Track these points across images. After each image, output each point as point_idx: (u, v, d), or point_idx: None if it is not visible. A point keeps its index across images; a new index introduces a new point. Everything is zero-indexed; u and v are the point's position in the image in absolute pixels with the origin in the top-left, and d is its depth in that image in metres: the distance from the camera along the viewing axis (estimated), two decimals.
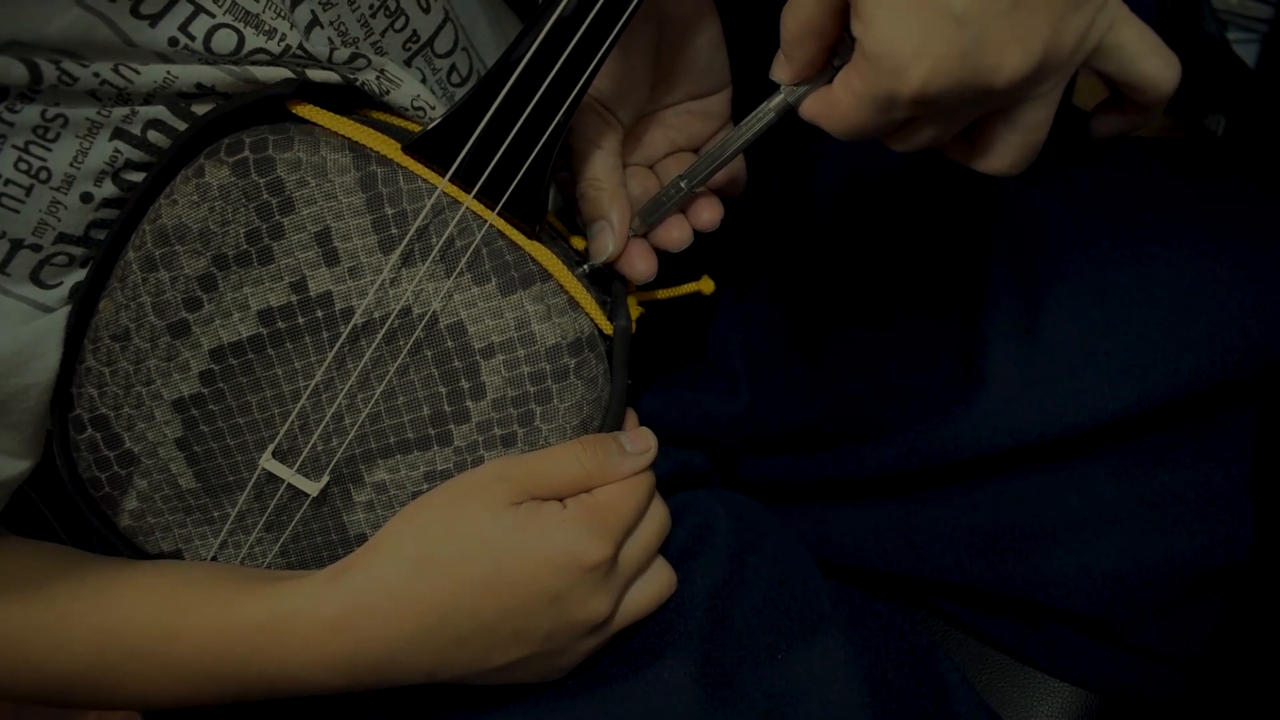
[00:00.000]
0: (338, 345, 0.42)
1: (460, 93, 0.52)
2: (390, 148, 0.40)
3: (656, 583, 0.45)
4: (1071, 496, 0.50)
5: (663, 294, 0.48)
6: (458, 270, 0.41)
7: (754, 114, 0.41)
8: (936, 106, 0.35)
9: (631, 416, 0.47)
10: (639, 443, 0.44)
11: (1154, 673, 0.51)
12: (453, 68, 0.51)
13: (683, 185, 0.43)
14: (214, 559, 0.46)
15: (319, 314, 0.41)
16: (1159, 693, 0.52)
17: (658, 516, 0.44)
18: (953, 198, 0.54)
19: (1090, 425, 0.48)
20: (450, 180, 0.40)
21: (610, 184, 0.43)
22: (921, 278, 0.54)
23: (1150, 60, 0.37)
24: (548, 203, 0.42)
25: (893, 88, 0.34)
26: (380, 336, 0.41)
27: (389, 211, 0.40)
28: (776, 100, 0.40)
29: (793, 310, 0.58)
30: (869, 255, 0.56)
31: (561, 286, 0.42)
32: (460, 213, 0.41)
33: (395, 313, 0.41)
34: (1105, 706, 0.52)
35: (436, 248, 0.41)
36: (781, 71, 0.39)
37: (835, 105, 0.36)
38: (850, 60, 0.36)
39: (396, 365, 0.42)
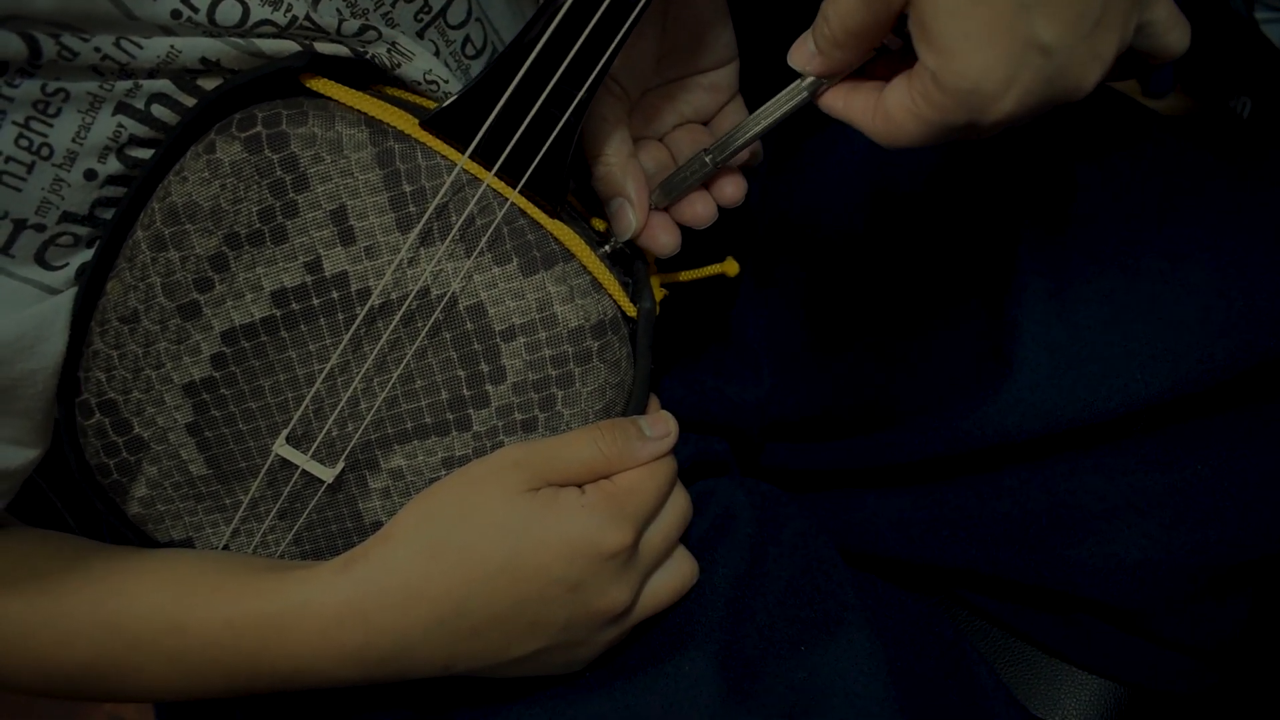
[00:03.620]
0: (354, 327, 0.40)
1: (474, 66, 0.51)
2: (407, 123, 0.39)
3: (678, 573, 0.43)
4: (1101, 484, 0.49)
5: (685, 276, 0.47)
6: (478, 250, 0.40)
7: (786, 91, 0.39)
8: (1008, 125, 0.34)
9: (653, 401, 0.45)
10: (659, 427, 0.43)
11: (1185, 665, 0.50)
12: (466, 39, 0.49)
13: (708, 160, 0.42)
14: (225, 547, 0.45)
15: (334, 295, 0.40)
16: (1189, 685, 0.51)
17: (679, 504, 0.43)
18: (980, 179, 0.53)
19: (1121, 412, 0.47)
20: (470, 157, 0.39)
21: (621, 158, 0.42)
22: (947, 261, 0.53)
23: (1174, 33, 0.37)
24: (569, 181, 0.41)
25: (973, 119, 0.33)
26: (398, 318, 0.40)
27: (407, 189, 0.39)
28: (809, 79, 0.39)
29: (816, 295, 0.56)
30: (894, 238, 0.54)
31: (584, 267, 0.41)
32: (481, 190, 0.39)
33: (413, 294, 0.40)
34: (1134, 699, 0.52)
35: (456, 226, 0.39)
36: (809, 63, 0.37)
37: (891, 122, 0.35)
38: (909, 77, 0.34)
39: (414, 348, 0.41)
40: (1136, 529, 0.48)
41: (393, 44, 0.42)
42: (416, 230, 0.39)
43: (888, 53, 0.38)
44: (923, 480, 0.53)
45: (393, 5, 0.44)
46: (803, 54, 0.37)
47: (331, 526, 0.44)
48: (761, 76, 0.46)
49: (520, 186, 0.39)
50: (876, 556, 0.55)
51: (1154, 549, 0.48)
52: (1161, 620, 0.49)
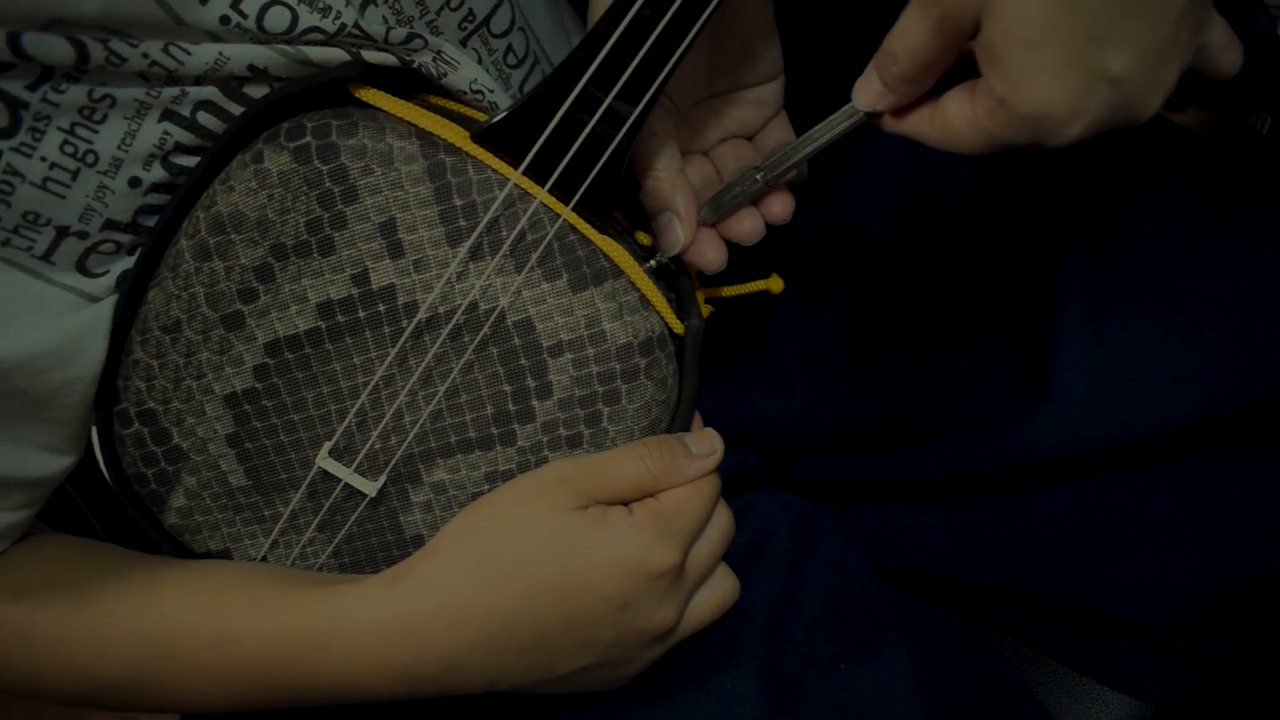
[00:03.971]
0: (400, 341, 0.40)
1: (515, 75, 0.50)
2: (459, 135, 0.39)
3: (720, 591, 0.43)
4: (1135, 504, 0.49)
5: (728, 291, 0.46)
6: (529, 265, 0.39)
7: (840, 112, 0.39)
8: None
9: (697, 417, 0.45)
10: (705, 444, 0.42)
11: (1216, 686, 0.50)
12: (509, 48, 0.49)
13: (758, 178, 0.42)
14: (264, 559, 0.45)
15: (381, 308, 0.40)
16: (1221, 706, 0.51)
17: (723, 521, 0.43)
18: (1019, 197, 0.53)
19: (1158, 434, 0.47)
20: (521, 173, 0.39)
21: (671, 173, 0.42)
22: (985, 278, 0.53)
23: (1229, 54, 0.37)
24: (619, 197, 0.40)
25: (1036, 141, 0.33)
26: (445, 333, 0.40)
27: (458, 202, 0.39)
28: None
29: (851, 308, 0.56)
30: (931, 253, 0.54)
31: (633, 284, 0.41)
32: (533, 206, 0.39)
33: (461, 308, 0.40)
34: (1164, 718, 0.52)
35: (507, 242, 0.39)
36: (879, 101, 0.37)
37: (951, 130, 0.35)
38: (971, 91, 0.34)
39: (461, 363, 0.40)
40: (1171, 549, 0.48)
41: (438, 52, 0.41)
42: (467, 245, 0.39)
43: None
44: (955, 496, 0.53)
45: (437, 13, 0.44)
46: (871, 93, 0.37)
47: (371, 539, 0.44)
48: (805, 92, 0.45)
49: (573, 203, 0.39)
50: (906, 571, 0.55)
51: (1188, 569, 0.48)
52: (1194, 640, 0.49)
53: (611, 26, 0.36)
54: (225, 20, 0.36)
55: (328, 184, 0.38)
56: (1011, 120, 0.33)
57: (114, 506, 0.52)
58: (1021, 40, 0.31)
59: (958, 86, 0.36)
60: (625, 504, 0.41)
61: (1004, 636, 0.55)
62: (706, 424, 0.44)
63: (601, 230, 0.40)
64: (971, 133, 0.35)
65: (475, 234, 0.39)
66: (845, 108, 0.39)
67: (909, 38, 0.34)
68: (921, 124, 0.36)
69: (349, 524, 0.43)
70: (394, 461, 0.42)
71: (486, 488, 0.42)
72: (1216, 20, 0.36)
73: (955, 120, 0.35)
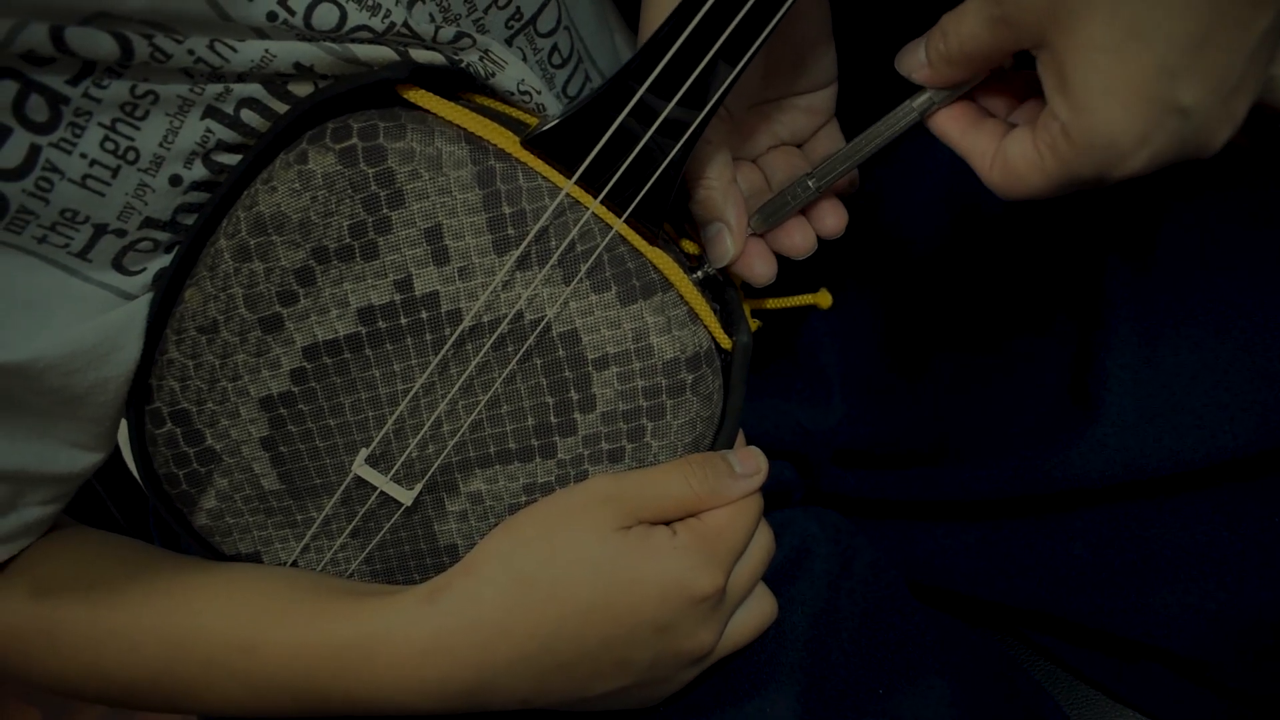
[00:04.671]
0: (443, 349, 0.39)
1: (560, 75, 0.49)
2: (509, 141, 0.38)
3: (759, 612, 0.43)
4: (1179, 533, 0.48)
5: (773, 304, 0.45)
6: (578, 277, 0.38)
7: (895, 112, 0.38)
8: None
9: (740, 435, 0.44)
10: (749, 463, 0.42)
11: (1251, 718, 0.50)
12: (554, 48, 0.48)
13: (810, 185, 0.41)
14: (294, 563, 0.44)
15: (424, 315, 0.39)
16: None
17: (764, 542, 0.42)
18: (1067, 214, 0.52)
19: (1206, 463, 0.46)
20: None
21: (723, 182, 0.41)
22: (1031, 296, 0.52)
23: None
24: (671, 209, 0.39)
25: (1100, 174, 0.33)
26: (489, 342, 0.39)
27: (506, 211, 0.37)
28: (921, 99, 0.37)
29: (894, 321, 0.55)
30: (975, 268, 0.53)
31: (682, 297, 0.40)
32: (585, 217, 0.38)
33: (507, 318, 0.39)
34: None
35: (556, 252, 0.38)
36: (916, 71, 0.36)
37: (1012, 174, 0.34)
38: (1034, 130, 0.34)
39: (504, 373, 0.39)
40: (1213, 580, 0.47)
41: (485, 51, 0.40)
42: (516, 254, 0.38)
43: (1000, 73, 0.37)
44: (994, 517, 0.52)
45: (485, 11, 0.43)
46: (912, 61, 0.36)
47: (405, 547, 0.43)
48: (857, 100, 0.44)
49: (626, 215, 0.38)
50: (941, 590, 0.54)
51: (1230, 601, 0.47)
52: (1232, 672, 0.49)
53: (675, 32, 0.35)
54: (272, 17, 0.35)
55: (373, 187, 0.37)
56: (1074, 153, 0.33)
57: (136, 498, 0.52)
58: (1091, 64, 0.31)
59: (1019, 128, 0.35)
60: (667, 523, 0.40)
61: (1037, 659, 0.54)
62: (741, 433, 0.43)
63: (652, 242, 0.39)
64: (1035, 174, 0.34)
65: (525, 243, 0.38)
66: (899, 107, 0.38)
67: (964, 23, 0.34)
68: (983, 163, 0.36)
69: (382, 531, 0.43)
70: (431, 470, 0.41)
71: (524, 499, 0.42)
72: None
73: (1018, 162, 0.34)
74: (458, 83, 0.40)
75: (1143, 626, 0.48)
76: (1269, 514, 0.47)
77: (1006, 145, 0.35)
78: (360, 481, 0.41)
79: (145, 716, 1.04)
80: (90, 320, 0.37)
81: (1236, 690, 0.49)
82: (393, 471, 0.41)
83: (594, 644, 0.38)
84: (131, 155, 0.36)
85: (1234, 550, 0.47)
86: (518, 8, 0.44)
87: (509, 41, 0.45)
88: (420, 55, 0.38)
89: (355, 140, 0.37)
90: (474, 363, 0.39)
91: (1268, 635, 0.47)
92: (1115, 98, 0.31)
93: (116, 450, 0.44)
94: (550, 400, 0.40)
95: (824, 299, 0.45)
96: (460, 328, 0.39)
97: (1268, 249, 0.48)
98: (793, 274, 0.46)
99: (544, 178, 0.38)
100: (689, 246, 0.44)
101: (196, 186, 0.38)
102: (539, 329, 0.39)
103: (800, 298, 0.45)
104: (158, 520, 0.56)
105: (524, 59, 0.46)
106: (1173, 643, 0.48)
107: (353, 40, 0.37)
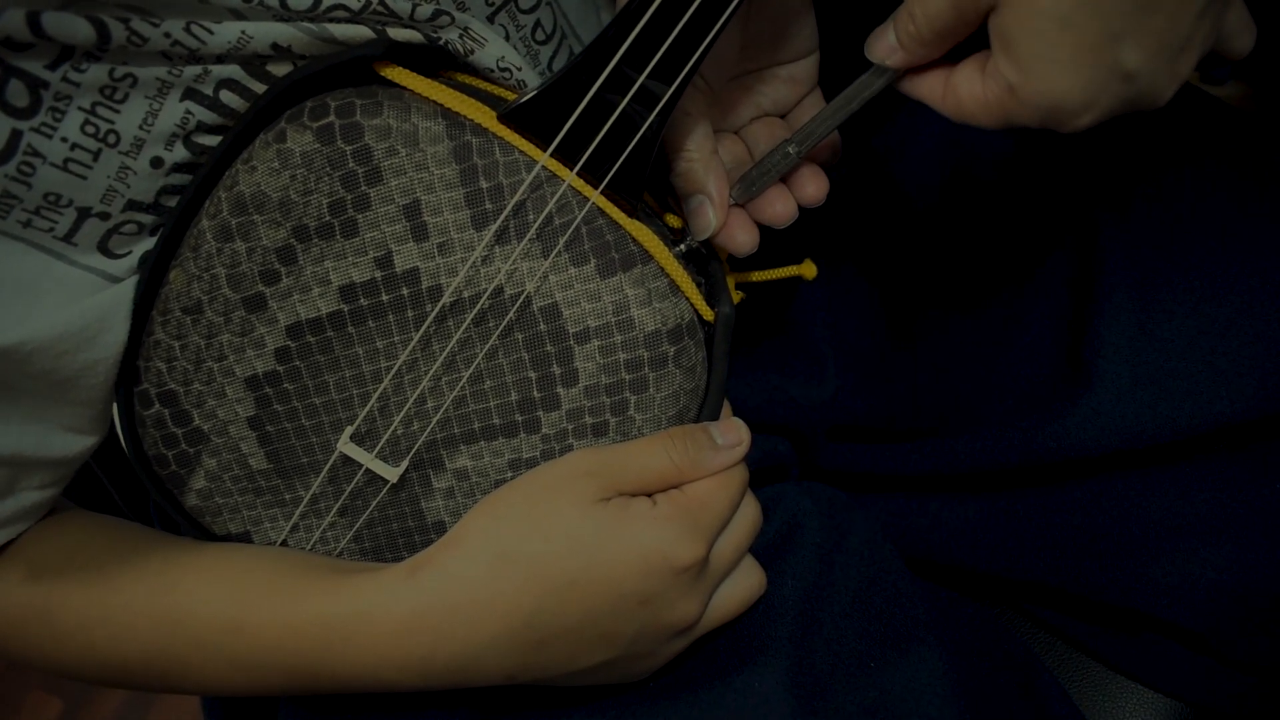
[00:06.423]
0: (424, 325, 0.39)
1: (543, 51, 0.49)
2: (486, 116, 0.38)
3: (745, 584, 0.42)
4: (1177, 502, 0.47)
5: (758, 276, 0.45)
6: (556, 250, 0.38)
7: (868, 74, 0.38)
8: None
9: (725, 406, 0.44)
10: (731, 435, 0.41)
11: (1254, 688, 0.49)
12: (537, 24, 0.47)
13: (790, 151, 0.40)
14: (284, 542, 0.44)
15: (404, 291, 0.39)
16: (1255, 707, 0.50)
17: (749, 514, 0.42)
18: (1062, 181, 0.51)
19: (1203, 430, 0.45)
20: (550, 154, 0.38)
21: (703, 154, 0.40)
22: (1025, 265, 0.51)
23: (1243, 36, 0.36)
24: (650, 179, 0.39)
25: (1047, 126, 0.33)
26: (470, 317, 0.39)
27: (484, 185, 0.37)
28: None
29: (886, 293, 0.55)
30: (968, 238, 0.53)
31: (662, 269, 0.40)
32: (561, 189, 0.38)
33: (486, 293, 0.39)
34: (1198, 718, 0.50)
35: (534, 225, 0.38)
36: (889, 56, 0.37)
37: (960, 108, 0.35)
38: (982, 70, 0.34)
39: (485, 348, 0.39)
40: (1212, 549, 0.47)
41: (465, 29, 0.40)
42: (493, 228, 0.38)
43: None
44: (991, 489, 0.51)
45: None
46: (883, 47, 0.37)
47: (393, 525, 0.43)
48: (840, 70, 0.44)
49: (602, 187, 0.38)
50: (938, 564, 0.54)
51: (1230, 570, 0.46)
52: (1233, 642, 0.48)
53: (647, 2, 0.35)
54: None
55: (351, 164, 0.37)
56: (1020, 109, 0.33)
57: (137, 482, 0.52)
58: (1037, 32, 0.31)
59: (970, 59, 0.35)
60: (649, 495, 0.40)
61: (1037, 631, 0.53)
62: (735, 410, 0.43)
63: (631, 214, 0.39)
64: (981, 111, 0.35)
65: (501, 217, 0.38)
66: (871, 70, 0.38)
67: (928, 3, 0.34)
68: (934, 94, 0.36)
69: (370, 509, 0.43)
70: (416, 447, 0.41)
71: (510, 475, 0.42)
72: (1235, 2, 0.35)
73: (965, 97, 0.35)
74: (437, 60, 0.40)
75: (1142, 597, 0.48)
76: (1269, 480, 0.46)
77: (956, 79, 0.35)
78: (346, 459, 0.42)
79: (162, 703, 1.05)
80: (77, 303, 0.37)
81: (1240, 659, 0.48)
82: (378, 449, 0.41)
83: (577, 618, 0.38)
84: (112, 138, 0.36)
85: (1234, 519, 0.46)
86: None
87: (491, 19, 0.45)
88: (398, 33, 0.38)
89: (332, 118, 0.37)
90: (455, 338, 0.39)
91: (1265, 603, 0.46)
92: (1060, 65, 0.32)
93: (117, 438, 0.44)
94: (533, 375, 0.40)
95: (809, 270, 0.45)
96: (440, 303, 0.39)
97: (1263, 215, 0.47)
98: (782, 247, 0.46)
99: (521, 151, 0.38)
100: (673, 220, 0.43)
101: (178, 168, 0.38)
102: (519, 303, 0.39)
103: (785, 269, 0.45)
104: (158, 506, 0.57)
105: (506, 36, 0.46)
106: (1173, 613, 0.47)
107: (330, 20, 0.37)
